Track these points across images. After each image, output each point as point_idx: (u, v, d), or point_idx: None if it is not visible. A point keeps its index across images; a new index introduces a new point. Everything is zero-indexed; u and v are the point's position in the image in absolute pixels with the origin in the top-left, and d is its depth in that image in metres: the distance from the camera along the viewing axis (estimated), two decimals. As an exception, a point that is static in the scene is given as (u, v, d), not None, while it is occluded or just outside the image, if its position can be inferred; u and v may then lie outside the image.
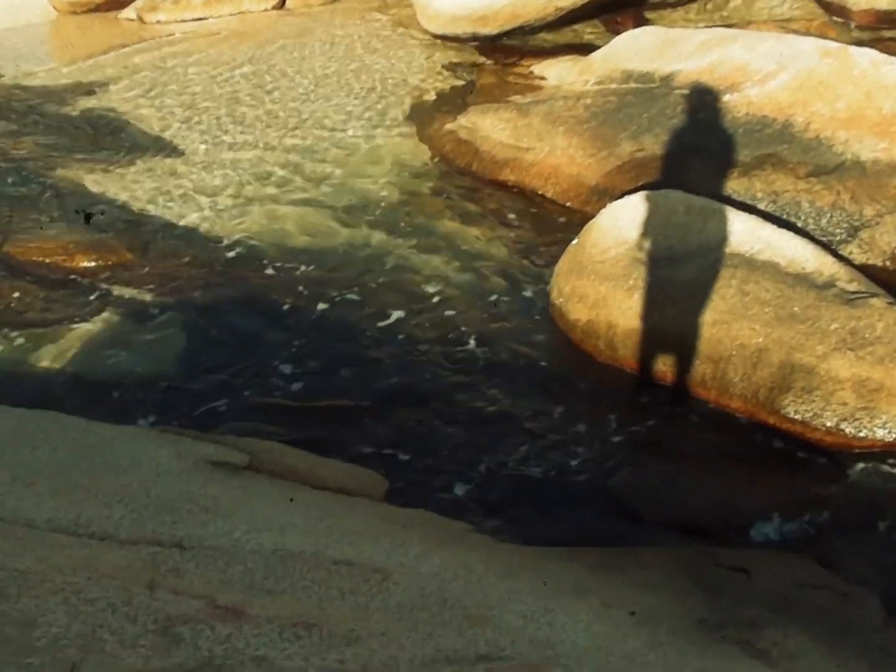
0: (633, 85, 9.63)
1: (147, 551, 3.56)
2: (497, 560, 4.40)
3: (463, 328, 7.27)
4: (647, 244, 6.77)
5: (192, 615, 3.14)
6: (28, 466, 4.10)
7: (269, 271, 8.10)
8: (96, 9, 15.17)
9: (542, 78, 10.90)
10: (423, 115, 10.83)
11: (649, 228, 6.85)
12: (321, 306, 7.60)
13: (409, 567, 3.93)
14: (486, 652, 3.35)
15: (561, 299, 7.02)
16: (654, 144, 8.74)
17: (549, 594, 4.07)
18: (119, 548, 3.56)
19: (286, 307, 7.59)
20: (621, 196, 7.99)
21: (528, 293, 7.65)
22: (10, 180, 9.73)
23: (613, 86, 9.78)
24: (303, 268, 8.13)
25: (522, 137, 9.37)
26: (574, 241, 7.19)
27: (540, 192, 9.03)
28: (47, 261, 8.25)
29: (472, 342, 7.12)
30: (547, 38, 12.66)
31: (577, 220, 8.49)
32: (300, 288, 7.83)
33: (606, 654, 3.62)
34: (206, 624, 3.10)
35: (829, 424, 6.02)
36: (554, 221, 8.63)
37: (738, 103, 8.80)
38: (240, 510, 4.16)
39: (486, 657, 3.31)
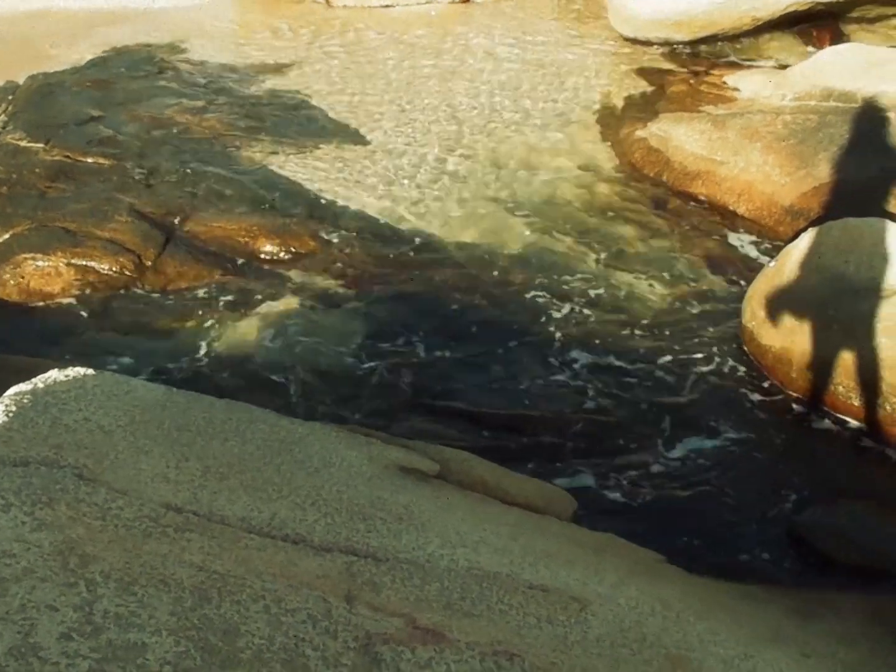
0: (833, 104, 9.31)
1: (342, 560, 3.48)
2: (691, 596, 4.23)
3: (643, 342, 7.11)
4: (848, 274, 6.50)
5: (392, 635, 3.05)
6: (219, 458, 4.04)
7: (448, 268, 8.03)
8: (283, -11, 15.32)
9: (736, 89, 10.62)
10: (610, 119, 10.64)
11: (852, 257, 6.56)
12: (499, 308, 7.50)
13: (606, 597, 3.79)
14: (690, 698, 3.22)
15: (753, 323, 6.79)
16: (854, 167, 8.42)
17: (747, 638, 3.90)
18: (314, 554, 3.48)
19: (465, 307, 7.51)
20: (816, 219, 7.75)
21: (714, 313, 7.43)
22: (194, 158, 9.83)
23: (813, 103, 9.48)
24: (482, 267, 8.03)
25: (717, 150, 9.12)
26: (771, 264, 6.94)
27: (731, 209, 8.77)
28: (230, 242, 8.30)
29: (652, 357, 6.96)
30: (738, 48, 12.36)
31: (768, 240, 8.28)
32: (479, 288, 7.74)
33: (810, 710, 3.46)
34: (406, 646, 3.01)
35: None
36: (744, 240, 8.37)
37: (949, 130, 8.46)
38: (432, 522, 4.07)
39: (690, 704, 3.17)
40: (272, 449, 4.31)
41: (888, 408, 6.12)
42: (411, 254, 8.19)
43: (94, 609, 2.61)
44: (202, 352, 6.92)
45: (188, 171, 9.49)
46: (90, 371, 4.28)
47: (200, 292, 7.61)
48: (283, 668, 2.71)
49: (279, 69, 12.34)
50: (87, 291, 7.58)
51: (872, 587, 5.09)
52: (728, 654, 3.66)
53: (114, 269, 7.77)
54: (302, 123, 10.75)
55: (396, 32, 13.53)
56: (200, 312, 7.35)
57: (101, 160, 9.57)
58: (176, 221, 8.54)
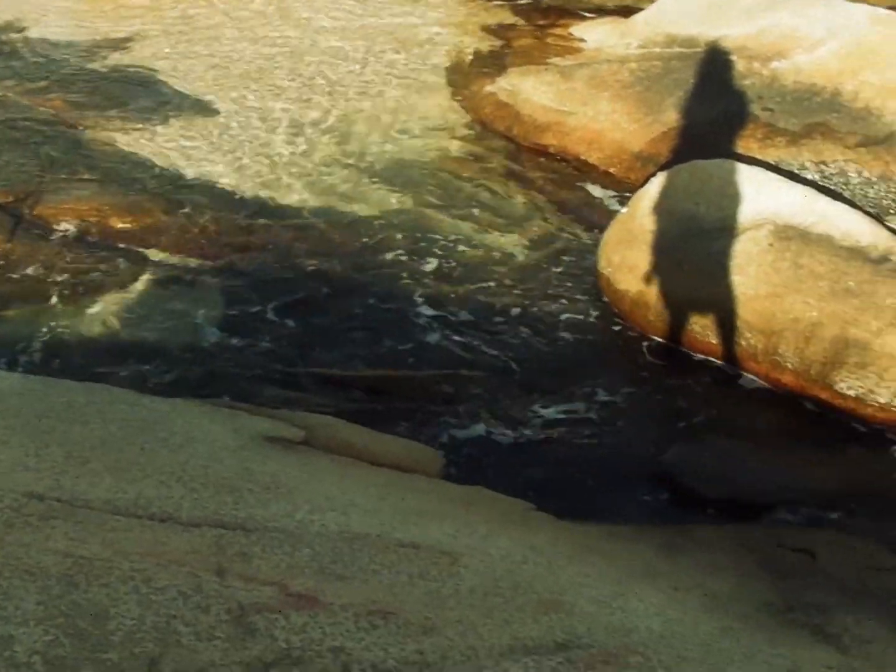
0: (677, 49, 9.46)
1: (211, 534, 3.48)
2: (562, 541, 4.31)
3: (505, 297, 7.17)
4: (699, 215, 6.65)
5: (265, 603, 3.06)
6: (81, 443, 4.00)
7: (305, 234, 7.98)
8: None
9: (582, 40, 10.73)
10: (459, 76, 10.66)
11: (701, 198, 6.72)
12: (359, 272, 7.48)
13: (478, 549, 3.84)
14: (564, 639, 3.27)
15: (609, 269, 6.90)
16: (699, 111, 8.58)
17: (618, 577, 3.99)
18: (182, 530, 3.47)
19: (324, 272, 7.46)
20: (666, 164, 7.89)
21: (571, 261, 7.53)
22: (39, 139, 9.58)
23: (657, 50, 9.62)
24: (340, 231, 8.01)
25: (565, 101, 9.22)
26: (623, 210, 7.07)
27: (582, 158, 8.89)
28: (81, 223, 8.12)
29: (514, 311, 7.02)
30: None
31: (619, 187, 8.42)
32: (338, 252, 7.71)
33: (682, 640, 3.52)
34: (280, 613, 3.02)
35: (882, 401, 5.91)
36: (596, 188, 8.50)
37: (787, 71, 8.65)
38: (300, 489, 4.08)
39: (565, 645, 3.23)
40: (134, 429, 4.29)
41: (744, 343, 6.29)
42: (266, 223, 8.10)
43: (-44, 605, 2.58)
44: (58, 336, 6.75)
45: (34, 153, 9.25)
46: (-59, 364, 4.21)
47: (53, 276, 7.42)
48: (157, 646, 2.70)
49: (125, 43, 12.05)
50: (-65, 282, 7.37)
51: (739, 520, 5.24)
52: (600, 594, 3.73)
53: (-38, 257, 7.58)
54: (150, 97, 10.55)
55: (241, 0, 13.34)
56: (54, 296, 7.18)
57: (-59, 147, 9.30)
58: (24, 205, 8.32)
